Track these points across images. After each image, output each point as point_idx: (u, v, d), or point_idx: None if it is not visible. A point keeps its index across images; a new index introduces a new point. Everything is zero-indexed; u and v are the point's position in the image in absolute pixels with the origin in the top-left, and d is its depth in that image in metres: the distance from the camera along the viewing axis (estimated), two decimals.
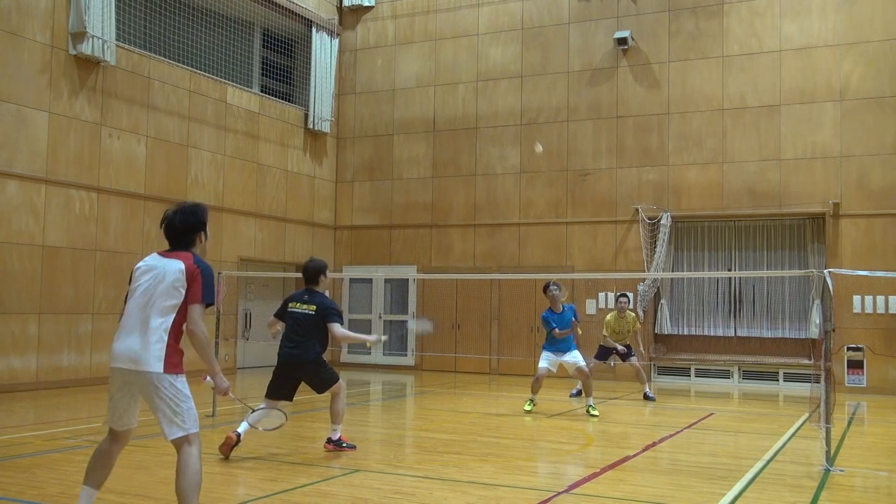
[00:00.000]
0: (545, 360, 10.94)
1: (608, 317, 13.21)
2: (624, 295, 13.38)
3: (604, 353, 13.15)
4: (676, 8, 16.15)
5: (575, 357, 10.92)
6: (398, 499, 5.90)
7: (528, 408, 11.09)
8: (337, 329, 7.55)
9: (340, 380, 7.73)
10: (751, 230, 15.59)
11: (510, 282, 16.57)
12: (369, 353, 18.34)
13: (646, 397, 12.70)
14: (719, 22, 15.83)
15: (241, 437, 7.22)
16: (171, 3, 14.89)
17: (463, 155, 17.81)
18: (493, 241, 17.38)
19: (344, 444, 7.63)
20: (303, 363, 7.54)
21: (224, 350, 14.97)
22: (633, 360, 12.92)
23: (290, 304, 7.71)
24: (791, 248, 15.34)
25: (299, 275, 8.00)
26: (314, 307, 7.60)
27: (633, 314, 13.20)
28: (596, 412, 10.66)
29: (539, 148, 14.53)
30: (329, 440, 7.65)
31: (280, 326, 7.84)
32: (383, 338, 8.26)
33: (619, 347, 12.91)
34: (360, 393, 14.12)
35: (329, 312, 7.60)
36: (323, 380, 7.67)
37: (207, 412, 9.99)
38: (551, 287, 10.97)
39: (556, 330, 10.77)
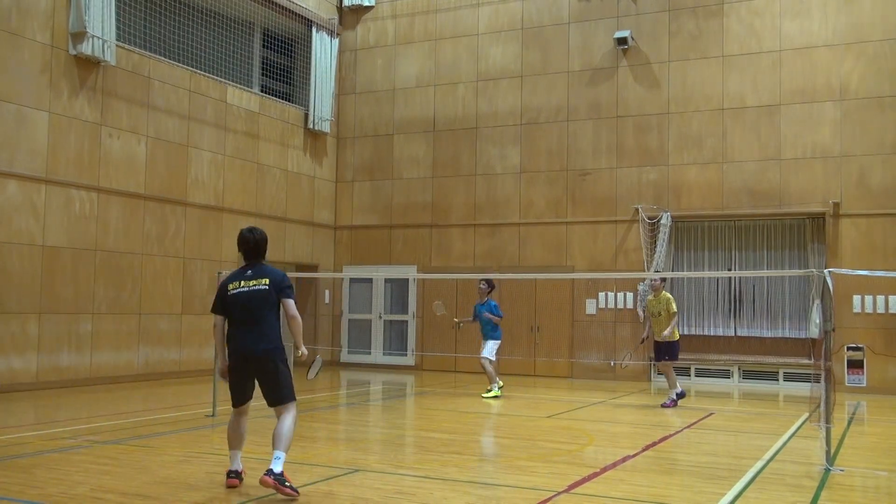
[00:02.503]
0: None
1: (649, 297, 12.57)
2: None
3: (657, 351, 12.13)
4: (676, 8, 16.16)
5: (483, 347, 12.86)
6: (398, 499, 5.90)
7: (496, 394, 12.74)
8: (292, 307, 6.06)
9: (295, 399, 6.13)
10: (751, 230, 15.60)
11: (510, 282, 16.57)
12: (369, 353, 18.35)
13: (662, 405, 11.78)
14: (719, 22, 15.83)
15: (242, 472, 6.12)
16: (171, 3, 14.89)
17: (463, 155, 17.82)
18: (493, 240, 17.39)
19: (286, 483, 5.69)
20: (264, 354, 5.96)
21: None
22: (665, 360, 11.99)
23: (230, 286, 6.10)
24: (791, 248, 15.34)
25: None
26: (266, 280, 6.07)
27: (668, 295, 12.00)
28: (484, 395, 12.69)
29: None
30: (270, 471, 5.68)
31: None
32: (316, 360, 6.76)
33: (644, 334, 12.27)
34: (360, 393, 14.11)
35: (286, 286, 6.09)
36: (282, 386, 6.01)
37: (207, 412, 10.00)
38: (480, 283, 13.01)
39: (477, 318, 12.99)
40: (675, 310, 11.96)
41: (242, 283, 6.09)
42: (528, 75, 17.32)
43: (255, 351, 5.97)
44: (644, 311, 12.67)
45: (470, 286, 17.02)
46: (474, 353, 14.60)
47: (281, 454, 5.80)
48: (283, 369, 6.04)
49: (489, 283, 12.98)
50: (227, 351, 6.13)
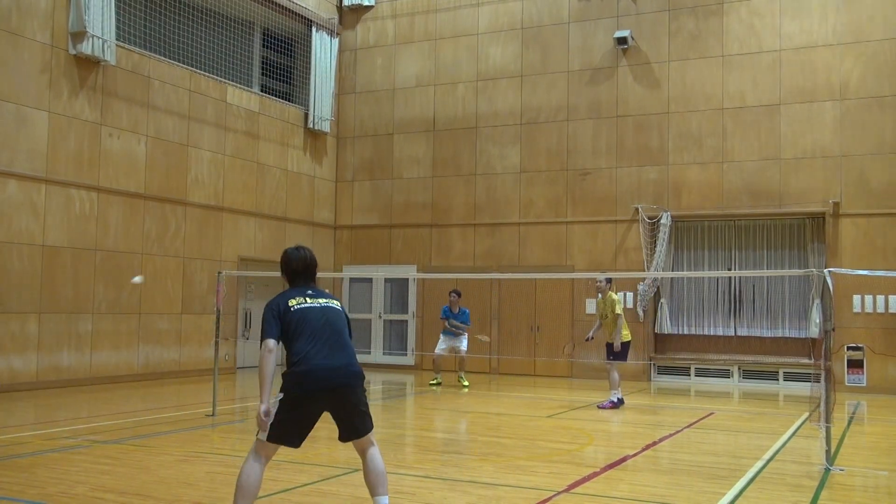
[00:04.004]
0: (442, 344, 14.54)
1: (597, 299, 12.30)
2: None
3: (607, 352, 11.83)
4: (676, 7, 16.15)
5: (462, 343, 14.47)
6: (398, 498, 5.90)
7: (432, 383, 14.46)
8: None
9: None
10: (751, 230, 15.59)
11: (510, 281, 16.56)
12: (369, 353, 18.34)
13: (599, 406, 11.56)
14: (719, 21, 15.83)
15: None
16: (171, 3, 14.89)
17: (463, 154, 17.81)
18: (493, 240, 17.38)
19: None
20: (357, 377, 4.92)
21: (224, 349, 14.98)
22: (610, 360, 11.61)
23: (291, 302, 4.94)
24: (791, 248, 15.34)
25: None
26: (336, 302, 5.13)
27: (613, 297, 11.67)
28: (466, 384, 14.16)
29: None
30: None
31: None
32: None
33: (590, 334, 12.11)
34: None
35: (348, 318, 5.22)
36: (368, 414, 5.03)
37: (207, 412, 10.00)
38: (452, 294, 14.55)
39: (447, 322, 14.53)
40: (620, 312, 11.59)
41: (308, 299, 4.97)
42: (528, 75, 17.31)
43: (348, 373, 4.86)
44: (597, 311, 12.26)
45: (470, 287, 17.05)
46: (474, 354, 14.65)
47: (387, 499, 4.92)
48: (366, 395, 5.09)
49: (458, 293, 14.67)
50: (291, 378, 4.77)
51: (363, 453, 4.99)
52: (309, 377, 4.73)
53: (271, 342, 4.77)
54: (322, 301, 5.00)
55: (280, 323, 4.84)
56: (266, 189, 17.04)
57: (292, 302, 4.92)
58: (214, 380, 10.27)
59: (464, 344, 14.51)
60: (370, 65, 18.91)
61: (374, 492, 4.92)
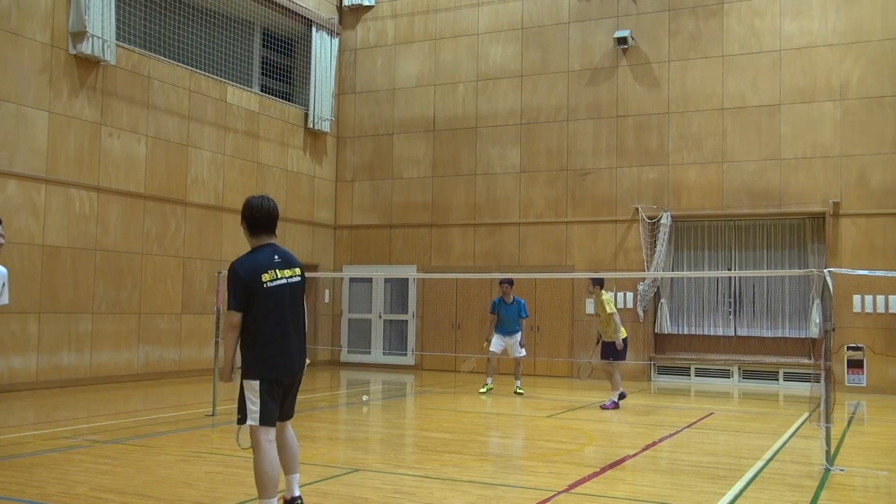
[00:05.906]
0: (495, 343, 13.09)
1: (588, 299, 12.51)
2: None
3: (603, 351, 11.82)
4: (676, 7, 16.15)
5: (517, 346, 13.02)
6: (398, 498, 5.90)
7: (483, 391, 13.12)
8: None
9: None
10: (751, 230, 15.60)
11: None
12: (369, 353, 18.34)
13: (602, 406, 11.49)
14: (719, 21, 15.83)
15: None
16: (171, 2, 14.89)
17: (463, 154, 17.82)
18: (493, 240, 17.39)
19: None
20: (304, 363, 5.17)
21: (224, 349, 14.98)
22: (609, 361, 11.66)
23: (264, 276, 4.87)
24: (791, 248, 15.35)
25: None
26: (298, 270, 5.12)
27: (602, 297, 11.56)
28: (521, 391, 13.07)
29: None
30: (299, 499, 5.15)
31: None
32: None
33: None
34: (360, 392, 14.11)
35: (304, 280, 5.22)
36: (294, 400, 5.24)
37: (207, 412, 10.00)
38: (504, 283, 13.09)
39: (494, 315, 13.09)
40: (612, 310, 11.47)
41: (277, 272, 4.92)
42: (528, 75, 17.31)
43: (301, 357, 5.08)
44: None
45: (470, 286, 17.06)
46: (474, 354, 14.63)
47: (298, 476, 5.22)
48: None
49: (510, 281, 13.19)
50: (263, 360, 4.89)
51: (281, 431, 5.11)
52: (279, 359, 4.92)
53: (236, 317, 4.85)
54: (288, 274, 5.02)
55: (246, 294, 4.85)
56: (266, 189, 17.03)
57: (265, 277, 4.90)
58: (214, 380, 10.27)
59: (519, 347, 13.10)
60: (370, 65, 18.92)
61: (290, 469, 5.15)
